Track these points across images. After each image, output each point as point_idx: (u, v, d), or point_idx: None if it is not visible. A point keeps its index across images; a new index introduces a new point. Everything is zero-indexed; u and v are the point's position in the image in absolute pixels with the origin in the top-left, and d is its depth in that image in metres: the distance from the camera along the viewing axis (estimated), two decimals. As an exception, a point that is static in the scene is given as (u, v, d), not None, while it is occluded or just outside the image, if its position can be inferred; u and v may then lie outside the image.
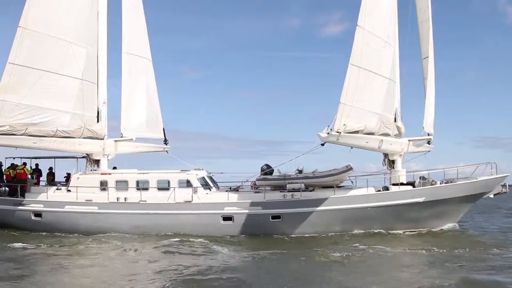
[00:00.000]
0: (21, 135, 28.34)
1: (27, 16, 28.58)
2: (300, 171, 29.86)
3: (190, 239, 26.36)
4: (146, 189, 29.40)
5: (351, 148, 28.09)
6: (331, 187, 28.66)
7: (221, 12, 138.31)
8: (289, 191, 28.61)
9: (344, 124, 26.38)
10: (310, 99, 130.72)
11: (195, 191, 28.99)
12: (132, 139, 32.36)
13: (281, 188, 29.32)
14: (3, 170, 32.14)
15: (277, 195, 28.64)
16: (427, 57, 30.92)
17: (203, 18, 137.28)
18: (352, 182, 30.31)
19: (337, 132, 26.00)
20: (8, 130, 28.10)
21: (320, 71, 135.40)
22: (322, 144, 26.90)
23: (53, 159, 34.08)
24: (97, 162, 31.87)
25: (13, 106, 28.40)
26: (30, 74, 28.71)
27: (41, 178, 33.64)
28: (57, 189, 30.73)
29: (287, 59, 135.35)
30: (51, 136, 29.19)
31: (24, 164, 32.00)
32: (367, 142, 27.97)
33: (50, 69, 29.31)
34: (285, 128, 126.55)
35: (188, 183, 29.33)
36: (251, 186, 30.80)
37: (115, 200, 29.15)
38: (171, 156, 35.60)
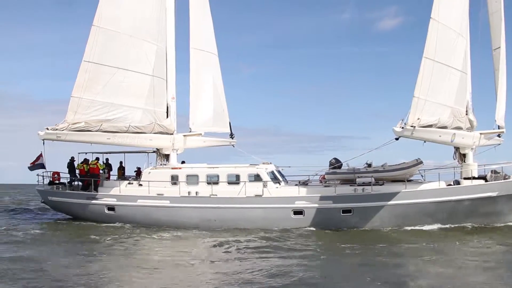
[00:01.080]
0: (96, 131, 28.90)
1: (101, 15, 29.12)
2: (369, 165, 29.46)
3: (261, 233, 26.36)
4: (216, 183, 29.49)
5: (424, 142, 27.50)
6: (401, 181, 28.22)
7: (275, 8, 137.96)
8: (359, 185, 28.26)
9: (418, 118, 25.84)
10: (364, 94, 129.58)
11: (265, 185, 28.93)
12: (201, 134, 32.60)
13: (350, 182, 29.01)
14: (76, 165, 32.77)
15: (347, 189, 28.32)
16: (498, 47, 30.09)
17: (258, 14, 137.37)
18: (422, 176, 29.81)
19: (412, 126, 25.50)
20: (84, 127, 28.67)
21: (375, 66, 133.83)
22: (397, 139, 26.35)
23: (123, 153, 34.67)
24: (166, 156, 32.21)
25: (88, 103, 29.00)
26: (103, 71, 29.27)
27: (111, 173, 34.24)
28: (129, 183, 31.17)
29: (342, 54, 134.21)
30: (124, 132, 29.63)
31: (97, 159, 32.56)
32: (440, 136, 27.32)
33: (122, 66, 29.79)
34: (340, 123, 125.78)
35: (258, 177, 29.28)
36: (320, 180, 30.56)
37: (186, 194, 29.34)
38: (237, 150, 35.80)
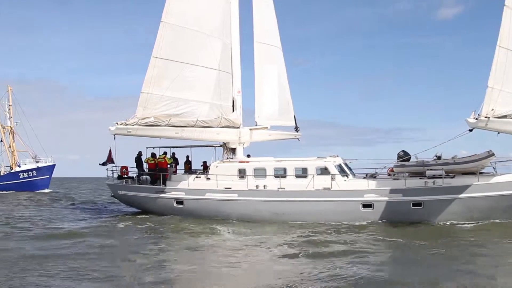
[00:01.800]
0: (165, 125, 29.16)
1: (168, 11, 29.39)
2: (439, 158, 28.69)
3: (330, 227, 26.03)
4: (284, 176, 29.31)
5: (498, 133, 26.63)
6: (472, 173, 27.42)
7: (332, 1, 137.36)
8: (429, 178, 27.58)
9: (492, 109, 25.06)
10: (421, 86, 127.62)
11: (333, 178, 28.58)
12: (267, 127, 32.48)
13: (419, 175, 28.33)
14: (145, 159, 33.14)
15: (417, 182, 27.65)
16: None
17: (316, 5, 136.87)
18: (494, 168, 28.89)
19: (486, 117, 24.74)
20: (153, 121, 28.97)
21: (433, 55, 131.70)
22: (470, 130, 25.68)
23: (189, 147, 34.91)
24: (233, 150, 32.27)
25: (158, 98, 29.34)
26: (171, 67, 29.55)
27: (177, 167, 34.48)
28: (196, 177, 31.31)
29: (399, 45, 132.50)
30: (192, 126, 29.80)
31: (165, 153, 32.82)
32: None
33: (190, 61, 30.00)
34: (397, 115, 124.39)
35: (326, 170, 28.93)
36: (388, 173, 29.99)
37: (254, 188, 29.28)
38: (295, 143, 35.69)
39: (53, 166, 72.79)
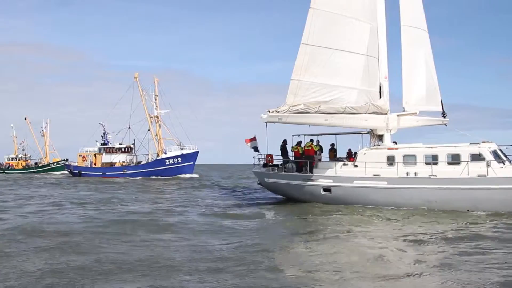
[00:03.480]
0: (314, 112, 28.62)
1: (317, -3, 28.77)
2: None
3: (488, 216, 24.52)
4: (435, 163, 27.86)
5: None
6: None
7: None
8: None
9: None
10: None
11: (488, 165, 26.72)
12: (415, 113, 31.02)
13: None
14: (291, 147, 32.89)
15: None
16: None
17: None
18: None
19: None
20: (303, 109, 28.55)
21: None
22: None
23: (334, 135, 34.23)
24: (380, 137, 31.19)
25: (307, 85, 28.88)
26: (321, 53, 28.93)
27: (322, 154, 33.91)
28: (343, 164, 30.59)
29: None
30: (341, 113, 29.07)
31: (311, 140, 32.38)
32: None
33: (338, 47, 29.25)
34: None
35: (480, 157, 27.11)
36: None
37: (405, 175, 28.08)
38: (450, 129, 33.89)
39: (196, 152, 75.10)
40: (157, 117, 79.86)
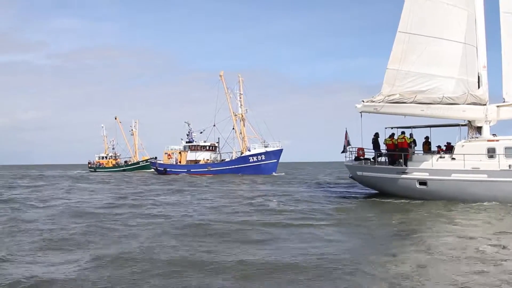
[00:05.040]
0: (410, 103, 27.36)
1: (414, -15, 27.51)
2: None
3: None
4: (541, 156, 26.03)
5: None
6: None
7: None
8: None
9: None
10: None
11: None
12: (517, 104, 29.15)
13: None
14: (384, 140, 31.67)
15: None
16: None
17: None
18: None
19: None
20: (399, 99, 27.36)
21: None
22: None
23: (428, 128, 32.72)
24: (478, 129, 29.50)
25: (404, 74, 27.67)
26: (418, 41, 27.65)
27: (415, 147, 32.49)
28: (440, 157, 29.11)
29: None
30: (437, 103, 27.64)
31: (403, 133, 31.06)
32: None
33: (435, 34, 27.87)
34: None
35: None
36: None
37: (507, 168, 26.36)
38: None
39: (280, 150, 74.50)
40: (241, 115, 79.93)
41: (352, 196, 32.41)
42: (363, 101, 27.53)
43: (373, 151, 32.43)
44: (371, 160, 32.58)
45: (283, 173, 75.24)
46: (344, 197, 31.86)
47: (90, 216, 22.11)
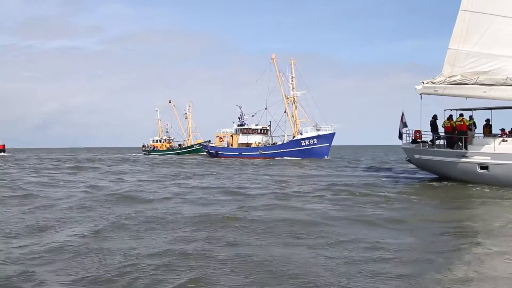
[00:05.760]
0: (472, 84, 26.23)
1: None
2: None
3: None
4: None
5: None
6: None
7: None
8: None
9: None
10: None
11: None
12: None
13: None
14: (443, 122, 30.55)
15: None
16: None
17: None
18: None
19: None
20: (460, 80, 26.27)
21: None
22: None
23: (489, 110, 31.37)
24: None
25: (465, 55, 26.55)
26: (481, 20, 26.40)
27: (475, 130, 31.23)
28: (503, 140, 27.84)
29: None
30: (501, 85, 26.38)
31: (461, 115, 29.87)
32: None
33: (500, 12, 26.48)
34: None
35: None
36: None
37: None
38: None
39: (333, 134, 73.34)
40: (293, 98, 79.07)
41: (409, 181, 31.48)
42: (422, 83, 26.57)
43: (431, 133, 31.39)
44: (429, 143, 31.54)
45: (336, 157, 74.16)
46: (400, 182, 30.96)
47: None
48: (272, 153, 77.18)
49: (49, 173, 41.18)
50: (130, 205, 19.26)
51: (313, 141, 73.26)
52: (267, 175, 37.76)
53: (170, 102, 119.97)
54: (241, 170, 45.42)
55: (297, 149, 74.32)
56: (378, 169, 44.43)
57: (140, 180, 32.74)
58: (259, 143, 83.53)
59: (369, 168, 45.70)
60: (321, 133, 73.52)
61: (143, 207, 18.71)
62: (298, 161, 63.77)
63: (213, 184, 29.16)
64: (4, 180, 32.57)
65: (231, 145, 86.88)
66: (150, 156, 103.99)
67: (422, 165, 32.02)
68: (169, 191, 24.91)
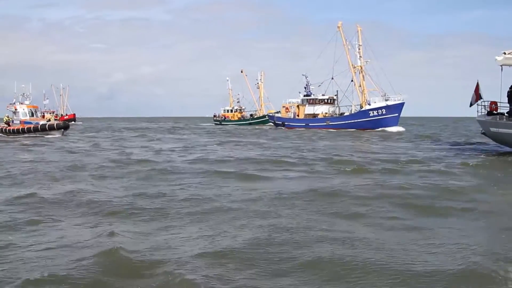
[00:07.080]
0: None
1: None
2: None
3: None
4: None
5: None
6: None
7: None
8: None
9: None
10: None
11: None
12: None
13: None
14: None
15: None
16: None
17: None
18: None
19: None
20: None
21: None
22: None
23: None
24: None
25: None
26: None
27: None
28: None
29: None
30: None
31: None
32: None
33: None
34: None
35: None
36: None
37: None
38: None
39: (402, 104, 69.69)
40: (360, 67, 75.79)
41: (484, 154, 28.95)
42: (504, 53, 24.05)
43: (508, 105, 28.72)
44: (506, 115, 28.87)
45: (404, 129, 70.59)
46: (475, 156, 28.43)
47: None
48: (339, 124, 74.58)
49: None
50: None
51: (382, 112, 69.94)
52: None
53: (242, 71, 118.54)
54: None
55: (365, 120, 71.48)
56: (449, 143, 41.75)
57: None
58: (326, 113, 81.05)
59: (439, 141, 43.01)
60: (389, 103, 70.22)
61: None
62: (376, 133, 61.23)
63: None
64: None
65: (297, 115, 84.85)
66: (221, 126, 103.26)
67: (499, 139, 29.41)
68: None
